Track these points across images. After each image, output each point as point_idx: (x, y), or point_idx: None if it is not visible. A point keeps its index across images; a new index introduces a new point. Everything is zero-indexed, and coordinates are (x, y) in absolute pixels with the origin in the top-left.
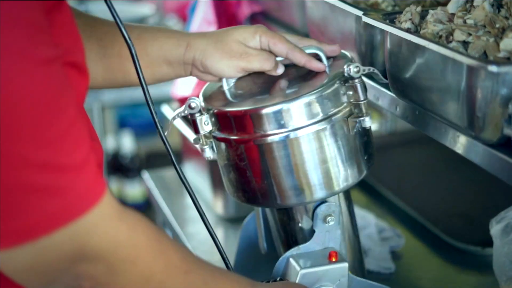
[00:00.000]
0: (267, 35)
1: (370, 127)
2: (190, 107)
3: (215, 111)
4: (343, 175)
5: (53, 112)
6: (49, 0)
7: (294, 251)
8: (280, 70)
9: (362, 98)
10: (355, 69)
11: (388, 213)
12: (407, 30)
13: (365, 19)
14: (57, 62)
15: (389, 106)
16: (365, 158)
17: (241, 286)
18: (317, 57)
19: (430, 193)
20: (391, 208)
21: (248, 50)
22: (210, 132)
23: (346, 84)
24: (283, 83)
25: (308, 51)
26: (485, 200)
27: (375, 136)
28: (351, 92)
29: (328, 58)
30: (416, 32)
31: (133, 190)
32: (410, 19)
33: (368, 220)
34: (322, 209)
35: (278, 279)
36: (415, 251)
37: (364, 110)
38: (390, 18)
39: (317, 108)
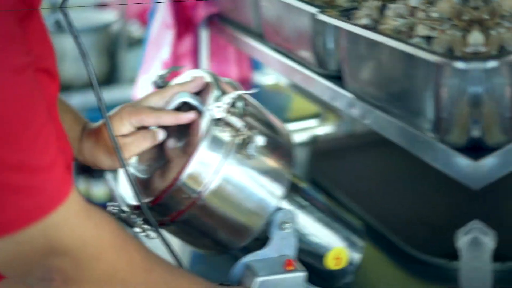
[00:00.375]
0: (132, 114)
1: (265, 140)
2: (112, 213)
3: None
4: (269, 193)
5: (26, 117)
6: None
7: (251, 257)
8: (161, 137)
9: (239, 126)
10: (219, 111)
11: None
12: (365, 26)
13: (320, 16)
14: (29, 69)
15: (346, 107)
16: (284, 164)
17: (199, 287)
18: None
19: (391, 199)
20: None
21: (123, 140)
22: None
23: (220, 125)
24: (170, 151)
25: (174, 104)
26: (451, 208)
27: (332, 138)
28: (228, 128)
29: (199, 92)
30: (374, 28)
31: (98, 190)
32: (368, 15)
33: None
34: (278, 216)
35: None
36: (374, 262)
37: (251, 133)
38: (347, 14)
39: (210, 161)
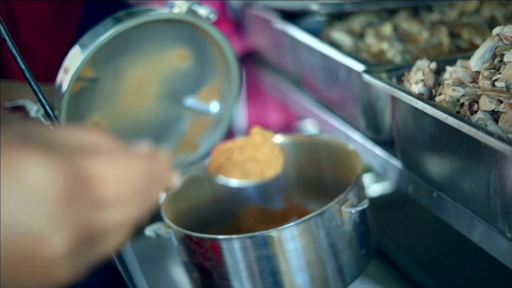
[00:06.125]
0: None
1: (368, 211)
2: None
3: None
4: (334, 277)
5: None
6: None
7: None
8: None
9: None
10: None
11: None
12: (419, 96)
13: (366, 78)
14: None
15: (400, 183)
16: (363, 252)
17: None
18: None
19: (460, 264)
20: (412, 282)
21: None
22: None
23: None
24: None
25: None
26: None
27: (388, 194)
28: None
29: None
30: (430, 98)
31: None
32: (422, 80)
33: None
34: None
35: None
36: None
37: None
38: (397, 74)
39: None
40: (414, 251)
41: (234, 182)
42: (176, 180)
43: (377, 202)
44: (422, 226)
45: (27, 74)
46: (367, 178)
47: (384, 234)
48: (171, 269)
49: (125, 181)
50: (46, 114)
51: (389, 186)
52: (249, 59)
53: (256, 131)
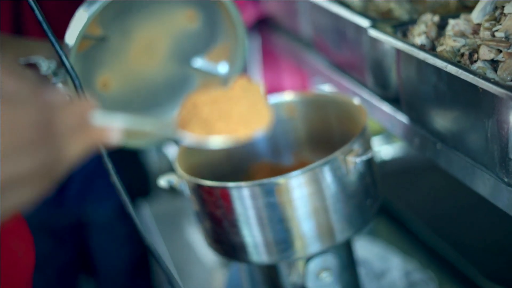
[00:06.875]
0: None
1: (373, 163)
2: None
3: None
4: (340, 225)
5: None
6: None
7: None
8: None
9: None
10: None
11: (418, 249)
12: (421, 47)
13: (371, 32)
14: None
15: (404, 136)
16: (368, 203)
17: None
18: None
19: (470, 225)
20: (421, 243)
21: None
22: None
23: None
24: None
25: None
26: None
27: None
28: None
29: None
30: (432, 48)
31: None
32: (425, 32)
33: (391, 262)
34: (315, 263)
35: None
36: None
37: (370, 144)
38: (403, 29)
39: None
40: (423, 212)
41: (193, 140)
42: (111, 134)
43: (388, 166)
44: (432, 189)
45: (44, 26)
46: (378, 140)
47: (394, 196)
48: (186, 229)
49: (3, 130)
50: (63, 64)
51: (399, 149)
52: (264, 25)
53: (238, 82)
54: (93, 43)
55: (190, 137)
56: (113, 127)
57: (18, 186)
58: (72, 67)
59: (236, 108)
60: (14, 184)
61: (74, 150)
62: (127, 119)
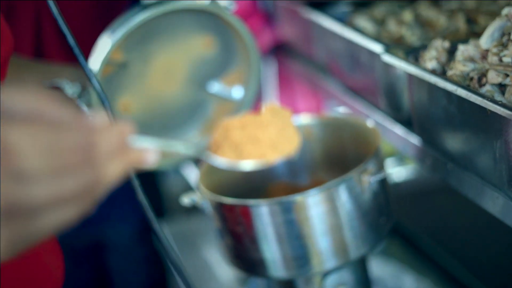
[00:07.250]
0: None
1: (386, 183)
2: None
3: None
4: (355, 242)
5: None
6: None
7: None
8: None
9: None
10: None
11: (430, 269)
12: (432, 71)
13: (385, 57)
14: None
15: (416, 157)
16: (381, 221)
17: None
18: None
19: (482, 244)
20: (433, 263)
21: None
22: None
23: None
24: None
25: None
26: None
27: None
28: None
29: None
30: (442, 73)
31: None
32: (435, 58)
33: (404, 281)
34: (331, 279)
35: None
36: None
37: (383, 165)
38: (414, 54)
39: None
40: (436, 232)
41: (225, 163)
42: (148, 157)
43: (401, 188)
44: (443, 210)
45: (76, 51)
46: (390, 162)
47: (407, 217)
48: (202, 248)
49: (48, 154)
50: (93, 88)
51: (411, 171)
52: (281, 50)
53: (268, 108)
54: (115, 69)
55: (221, 160)
56: (150, 149)
57: (61, 206)
58: (102, 90)
59: (265, 133)
60: (57, 204)
61: (113, 171)
62: (162, 142)
